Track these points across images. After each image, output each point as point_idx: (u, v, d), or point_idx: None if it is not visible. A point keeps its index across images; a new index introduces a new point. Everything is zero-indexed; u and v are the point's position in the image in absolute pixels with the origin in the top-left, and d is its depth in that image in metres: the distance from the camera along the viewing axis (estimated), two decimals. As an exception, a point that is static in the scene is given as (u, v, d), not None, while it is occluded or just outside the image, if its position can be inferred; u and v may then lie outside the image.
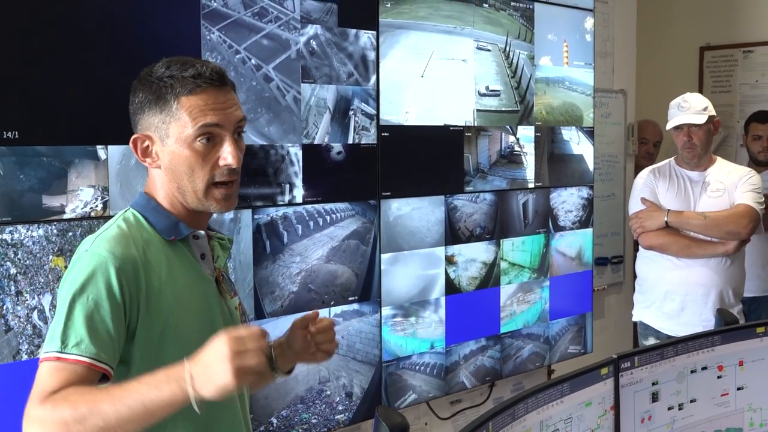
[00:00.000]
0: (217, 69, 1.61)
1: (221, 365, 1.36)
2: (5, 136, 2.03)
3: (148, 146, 1.60)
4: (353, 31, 2.83)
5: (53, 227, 2.12)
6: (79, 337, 1.45)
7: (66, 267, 2.12)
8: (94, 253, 1.50)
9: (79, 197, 2.17)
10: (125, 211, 1.64)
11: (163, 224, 1.61)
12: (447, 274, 3.20)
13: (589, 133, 3.85)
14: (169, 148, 1.58)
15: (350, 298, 2.87)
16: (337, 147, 2.80)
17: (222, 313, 1.68)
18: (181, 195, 1.61)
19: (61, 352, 1.45)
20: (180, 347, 1.53)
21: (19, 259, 2.06)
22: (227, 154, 1.59)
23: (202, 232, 1.67)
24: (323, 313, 2.76)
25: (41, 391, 1.42)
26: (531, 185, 3.55)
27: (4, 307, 2.03)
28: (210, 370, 1.37)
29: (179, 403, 1.38)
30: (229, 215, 2.49)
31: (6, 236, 2.04)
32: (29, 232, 2.08)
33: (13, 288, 2.04)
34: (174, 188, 1.61)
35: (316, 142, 2.73)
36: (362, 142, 2.88)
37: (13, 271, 2.05)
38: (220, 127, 1.58)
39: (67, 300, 1.47)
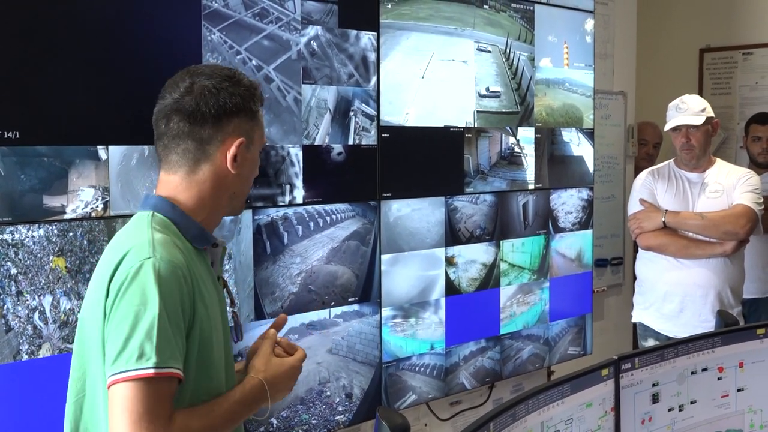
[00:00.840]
0: None
1: (290, 384, 1.71)
2: (6, 137, 2.03)
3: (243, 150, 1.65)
4: (354, 32, 2.83)
5: (54, 227, 2.12)
6: (172, 349, 1.45)
7: (66, 268, 2.13)
8: (162, 260, 1.48)
9: (80, 197, 2.17)
10: (151, 215, 1.61)
11: (194, 232, 1.62)
12: (447, 275, 3.20)
13: (589, 134, 3.86)
14: (251, 154, 1.67)
15: (350, 299, 2.87)
16: (337, 148, 2.80)
17: (225, 321, 1.72)
18: (230, 201, 1.68)
19: (159, 368, 1.42)
20: (216, 359, 1.60)
21: (19, 259, 2.06)
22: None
23: (222, 239, 1.73)
24: (323, 314, 2.76)
25: (157, 415, 1.42)
26: (531, 186, 3.56)
27: (5, 308, 2.03)
28: (283, 387, 1.69)
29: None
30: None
31: (7, 236, 2.04)
32: (30, 232, 2.08)
33: (13, 288, 2.04)
34: (229, 194, 1.66)
35: (316, 143, 2.73)
36: (362, 143, 2.88)
37: (13, 271, 2.05)
38: None
39: (149, 311, 1.44)
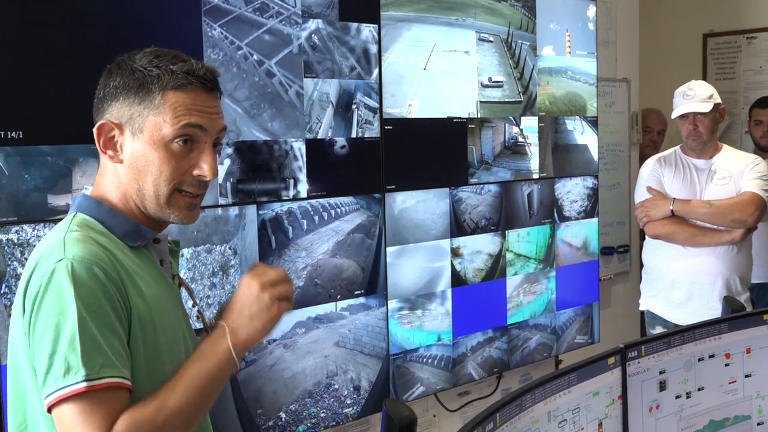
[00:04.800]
0: (212, 70, 1.50)
1: (260, 301, 1.44)
2: (9, 136, 2.04)
3: (114, 137, 1.45)
4: (354, 24, 2.83)
5: (59, 226, 2.12)
6: (104, 355, 1.28)
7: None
8: (75, 259, 1.32)
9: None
10: (73, 215, 1.46)
11: (124, 229, 1.45)
12: (453, 266, 3.20)
13: (593, 122, 3.85)
14: (139, 143, 1.44)
15: (356, 292, 2.87)
16: (340, 141, 2.80)
17: (187, 323, 1.56)
18: (140, 198, 1.47)
19: (90, 380, 1.26)
20: (169, 364, 1.42)
21: (25, 258, 2.06)
22: (205, 164, 1.46)
23: (165, 234, 1.55)
24: (330, 307, 2.77)
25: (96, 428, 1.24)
26: (535, 176, 3.55)
27: (12, 307, 2.03)
28: (249, 311, 1.43)
29: (238, 360, 1.42)
30: (233, 211, 2.50)
31: (12, 236, 2.05)
32: (35, 231, 2.09)
33: (20, 287, 2.05)
34: (134, 189, 1.46)
35: (319, 137, 2.73)
36: (366, 135, 2.88)
37: (20, 270, 2.05)
38: (202, 130, 1.46)
39: (69, 318, 1.28)
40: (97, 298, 1.31)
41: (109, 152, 1.46)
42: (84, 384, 1.25)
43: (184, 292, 1.63)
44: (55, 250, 1.34)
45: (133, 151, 1.45)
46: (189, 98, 1.45)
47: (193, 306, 1.69)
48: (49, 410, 1.29)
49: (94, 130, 1.46)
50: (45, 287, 1.31)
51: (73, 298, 1.29)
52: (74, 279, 1.30)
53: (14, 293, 2.02)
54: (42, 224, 2.10)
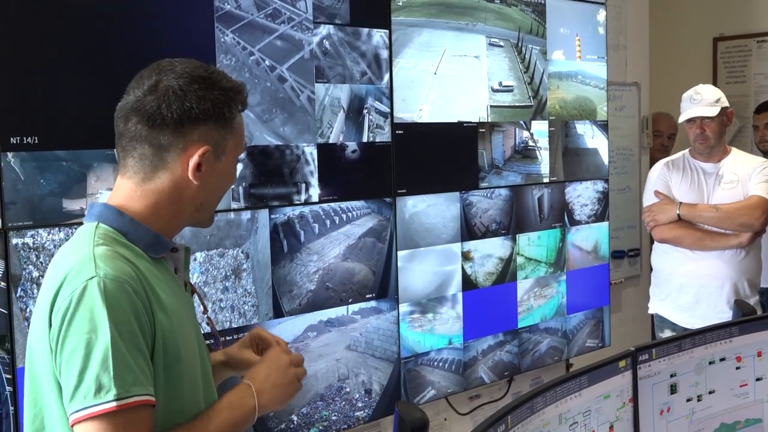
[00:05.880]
0: None
1: (286, 375, 1.55)
2: (25, 142, 2.06)
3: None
4: (365, 30, 2.85)
5: (74, 231, 2.14)
6: (134, 374, 1.30)
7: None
8: (107, 277, 1.33)
9: (99, 201, 2.19)
10: (95, 227, 1.44)
11: (146, 240, 1.46)
12: (464, 270, 3.21)
13: (603, 126, 3.85)
14: (221, 164, 1.50)
15: (368, 296, 2.88)
16: (351, 146, 2.82)
17: (198, 331, 1.59)
18: (197, 210, 1.52)
19: (120, 399, 1.28)
20: (187, 374, 1.45)
21: (41, 262, 2.08)
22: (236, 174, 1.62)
23: (182, 243, 1.58)
24: (341, 311, 2.78)
25: None
26: (546, 180, 3.56)
27: (28, 310, 2.06)
28: (275, 381, 1.54)
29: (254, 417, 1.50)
30: (246, 215, 2.52)
31: (28, 240, 2.07)
32: (50, 235, 2.11)
33: (35, 291, 2.07)
34: (196, 204, 1.50)
35: (331, 142, 2.75)
36: (377, 140, 2.89)
37: (35, 274, 2.08)
38: None
39: (101, 337, 1.29)
40: (127, 317, 1.32)
41: (198, 173, 1.47)
42: (114, 403, 1.28)
43: (195, 299, 1.66)
44: (86, 266, 1.34)
45: (212, 171, 1.49)
46: (242, 119, 1.56)
47: (204, 312, 1.72)
48: (73, 425, 1.31)
49: (197, 156, 1.45)
50: (76, 304, 1.31)
51: (106, 317, 1.30)
52: (107, 297, 1.31)
53: (29, 297, 2.05)
54: (57, 228, 2.12)
